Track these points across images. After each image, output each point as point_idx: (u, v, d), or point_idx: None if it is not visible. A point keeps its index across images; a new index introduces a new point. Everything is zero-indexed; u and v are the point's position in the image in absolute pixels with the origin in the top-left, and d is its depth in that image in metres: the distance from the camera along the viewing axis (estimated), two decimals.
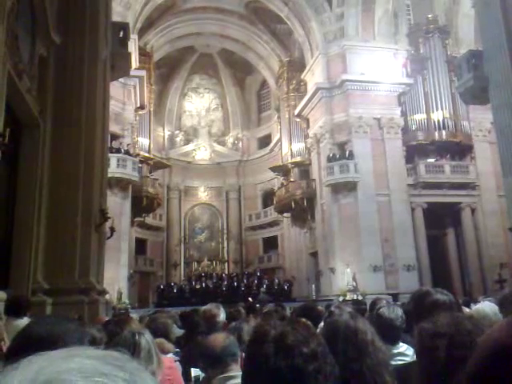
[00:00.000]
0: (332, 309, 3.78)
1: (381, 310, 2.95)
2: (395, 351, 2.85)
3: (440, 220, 23.27)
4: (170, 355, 3.75)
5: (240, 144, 34.71)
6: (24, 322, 4.06)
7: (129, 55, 13.23)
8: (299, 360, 1.11)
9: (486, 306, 2.95)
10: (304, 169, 26.80)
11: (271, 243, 31.80)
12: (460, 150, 23.79)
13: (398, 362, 2.70)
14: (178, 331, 5.16)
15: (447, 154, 23.69)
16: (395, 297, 17.19)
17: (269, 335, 1.18)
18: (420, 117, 23.39)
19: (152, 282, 28.00)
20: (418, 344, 1.16)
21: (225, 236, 32.04)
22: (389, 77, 23.01)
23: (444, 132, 23.11)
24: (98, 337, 3.53)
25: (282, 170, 28.32)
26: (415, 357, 2.40)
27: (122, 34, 13.01)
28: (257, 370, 1.14)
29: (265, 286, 21.57)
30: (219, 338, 2.57)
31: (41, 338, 1.37)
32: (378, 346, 1.85)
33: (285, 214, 28.44)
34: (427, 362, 1.06)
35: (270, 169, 29.53)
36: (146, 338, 2.35)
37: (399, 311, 2.98)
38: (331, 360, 1.17)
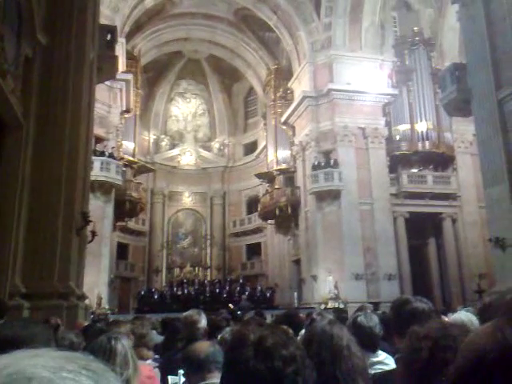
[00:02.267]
0: (314, 316, 3.78)
1: (359, 318, 2.97)
2: (375, 359, 2.86)
3: (421, 230, 23.54)
4: (149, 361, 3.71)
5: (226, 150, 34.71)
6: None
7: (116, 58, 13.17)
8: (278, 363, 1.12)
9: (463, 315, 3.00)
10: (289, 176, 26.89)
11: (255, 250, 31.77)
12: (442, 160, 24.15)
13: (377, 370, 2.71)
14: (157, 338, 5.11)
15: (430, 164, 24.03)
16: (376, 305, 17.28)
17: (248, 339, 1.18)
18: (404, 127, 23.71)
19: (133, 287, 27.69)
20: (406, 345, 1.21)
21: (208, 242, 31.88)
22: (374, 87, 23.31)
23: (427, 143, 23.44)
24: (76, 342, 3.48)
25: (267, 177, 28.38)
26: (395, 366, 2.42)
27: (109, 36, 12.98)
28: (236, 374, 1.14)
29: (247, 293, 21.48)
30: (204, 345, 2.55)
31: (6, 340, 1.37)
32: (354, 351, 1.86)
33: (269, 221, 28.46)
34: (411, 362, 1.11)
35: (256, 175, 29.57)
36: (123, 343, 2.33)
37: (376, 319, 3.00)
38: (309, 363, 1.18)
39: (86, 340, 3.84)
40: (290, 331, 3.06)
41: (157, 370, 3.41)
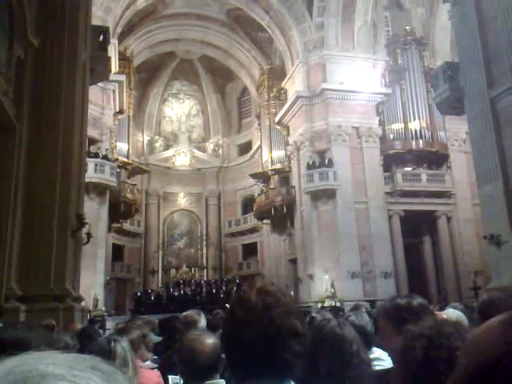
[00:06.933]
0: (313, 314, 3.79)
1: (350, 318, 3.04)
2: (371, 356, 2.88)
3: (417, 228, 23.62)
4: (148, 362, 3.70)
5: (220, 150, 34.68)
6: None
7: (108, 59, 13.13)
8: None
9: (450, 313, 3.05)
10: (284, 176, 26.93)
11: (251, 250, 31.77)
12: (436, 159, 24.25)
13: (376, 367, 2.72)
14: (155, 338, 5.10)
15: (424, 162, 24.12)
16: (373, 304, 17.33)
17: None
18: (397, 126, 23.79)
19: (129, 288, 27.61)
20: (400, 344, 1.20)
21: (204, 242, 31.85)
22: (367, 86, 23.37)
23: (421, 141, 23.53)
24: (71, 344, 3.47)
25: (262, 177, 28.39)
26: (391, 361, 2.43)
27: (101, 37, 12.92)
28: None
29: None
30: (208, 345, 2.20)
31: (12, 341, 1.40)
32: (363, 357, 1.85)
33: (264, 221, 28.48)
34: (405, 361, 1.10)
35: (250, 175, 29.58)
36: (122, 345, 2.32)
37: (367, 317, 3.09)
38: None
39: (81, 343, 3.83)
40: None
41: (155, 370, 3.41)
